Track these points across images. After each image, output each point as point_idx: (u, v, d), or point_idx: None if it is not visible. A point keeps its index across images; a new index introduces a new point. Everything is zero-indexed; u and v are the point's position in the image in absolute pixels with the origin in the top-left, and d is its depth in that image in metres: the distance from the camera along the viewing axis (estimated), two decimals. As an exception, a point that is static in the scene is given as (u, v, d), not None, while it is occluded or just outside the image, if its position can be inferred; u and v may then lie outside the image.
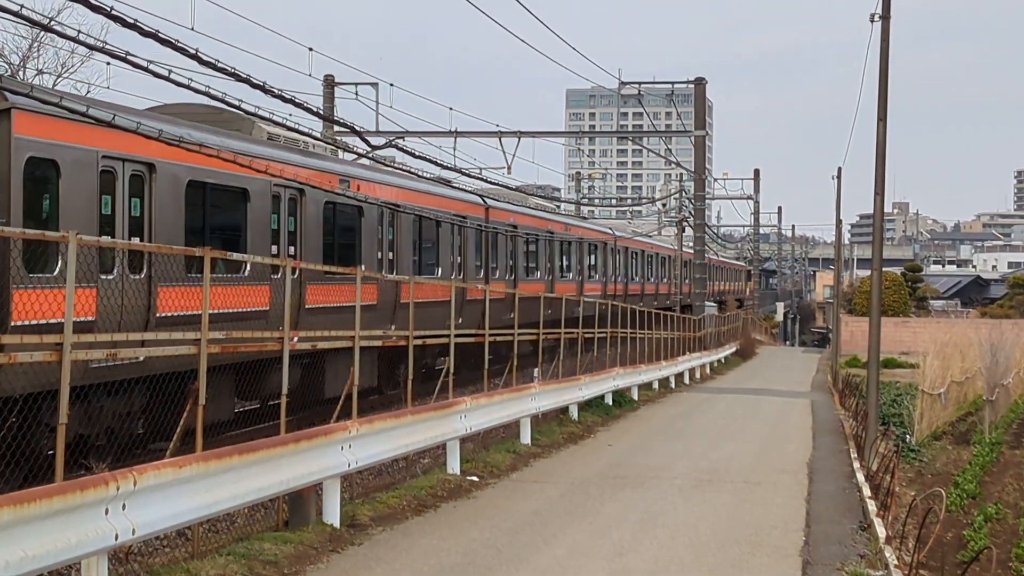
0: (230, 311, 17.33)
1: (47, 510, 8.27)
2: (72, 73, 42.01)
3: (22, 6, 11.45)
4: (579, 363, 29.27)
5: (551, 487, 16.60)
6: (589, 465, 18.96)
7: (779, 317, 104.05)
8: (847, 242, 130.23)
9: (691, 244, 54.32)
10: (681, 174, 75.18)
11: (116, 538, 9.02)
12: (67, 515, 8.51)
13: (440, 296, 23.43)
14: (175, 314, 15.86)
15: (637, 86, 49.60)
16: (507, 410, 19.80)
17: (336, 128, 37.14)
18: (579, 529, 13.62)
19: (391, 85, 40.77)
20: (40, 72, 41.06)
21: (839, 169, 61.87)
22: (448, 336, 20.36)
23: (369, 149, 26.57)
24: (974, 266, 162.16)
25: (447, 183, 29.85)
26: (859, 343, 55.31)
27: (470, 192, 31.67)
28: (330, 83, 45.07)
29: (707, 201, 55.90)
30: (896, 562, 11.88)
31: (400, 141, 38.89)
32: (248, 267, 18.42)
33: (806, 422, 28.33)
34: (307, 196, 21.00)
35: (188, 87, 13.97)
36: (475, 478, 16.79)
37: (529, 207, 38.66)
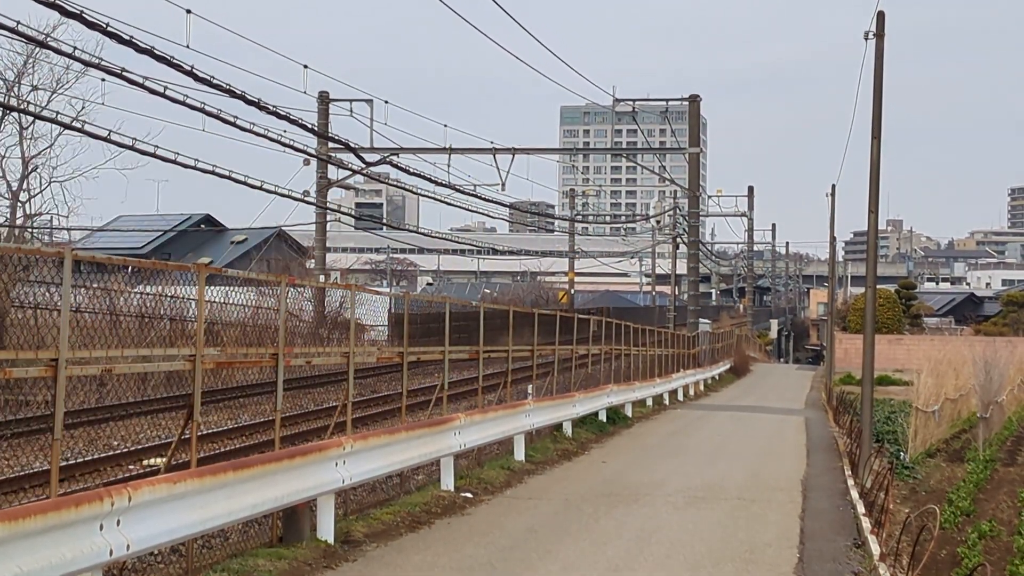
0: None
1: (42, 525, 8.25)
2: (67, 89, 42.03)
3: (18, 22, 11.50)
4: (573, 380, 29.26)
5: (545, 504, 16.60)
6: (583, 482, 18.96)
7: (773, 334, 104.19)
8: (841, 259, 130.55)
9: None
10: (675, 191, 75.26)
11: (111, 554, 9.00)
12: (62, 531, 8.48)
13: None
14: None
15: (631, 103, 49.71)
16: (501, 427, 19.79)
17: (331, 145, 37.19)
18: (574, 546, 13.61)
19: (386, 102, 41.03)
20: (35, 88, 41.06)
21: (833, 187, 62.18)
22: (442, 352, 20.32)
23: (363, 165, 26.71)
24: (968, 284, 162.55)
25: None
26: (853, 360, 55.34)
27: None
28: (325, 100, 45.18)
29: (701, 218, 55.99)
30: (890, 579, 11.89)
31: (394, 158, 39.00)
32: None
33: (800, 439, 28.35)
34: None
35: (184, 103, 14.05)
36: (469, 495, 16.78)
37: None
